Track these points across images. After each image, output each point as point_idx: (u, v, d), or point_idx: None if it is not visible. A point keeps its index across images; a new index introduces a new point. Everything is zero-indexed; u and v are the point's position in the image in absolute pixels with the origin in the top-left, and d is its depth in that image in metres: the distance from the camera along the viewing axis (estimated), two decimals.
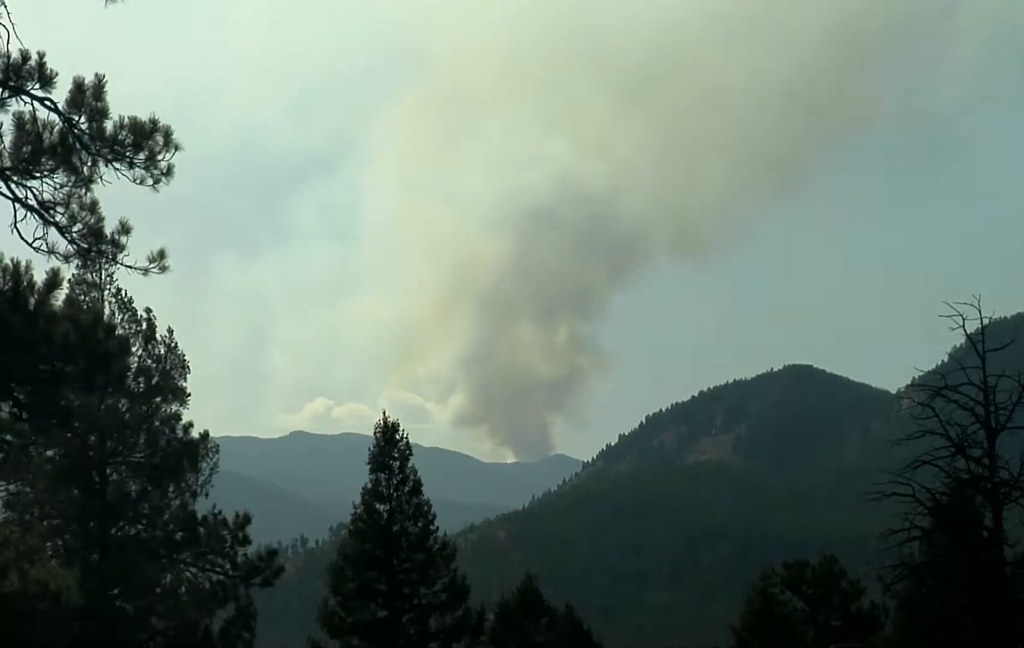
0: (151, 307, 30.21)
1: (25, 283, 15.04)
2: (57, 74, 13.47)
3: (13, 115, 13.65)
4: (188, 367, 30.30)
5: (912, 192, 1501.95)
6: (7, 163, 13.82)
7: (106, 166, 13.87)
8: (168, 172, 14.01)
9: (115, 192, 14.11)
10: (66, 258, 14.43)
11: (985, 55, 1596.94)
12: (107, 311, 28.73)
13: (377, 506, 34.49)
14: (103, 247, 14.40)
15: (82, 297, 27.97)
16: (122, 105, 13.79)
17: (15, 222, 14.06)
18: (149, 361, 29.78)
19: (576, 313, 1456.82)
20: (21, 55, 13.25)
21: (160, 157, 13.92)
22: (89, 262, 15.56)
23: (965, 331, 24.88)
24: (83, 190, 14.04)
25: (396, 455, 34.67)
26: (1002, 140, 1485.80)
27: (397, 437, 34.79)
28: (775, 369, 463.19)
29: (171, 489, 29.83)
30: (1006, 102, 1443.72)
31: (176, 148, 13.97)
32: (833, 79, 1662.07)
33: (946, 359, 49.51)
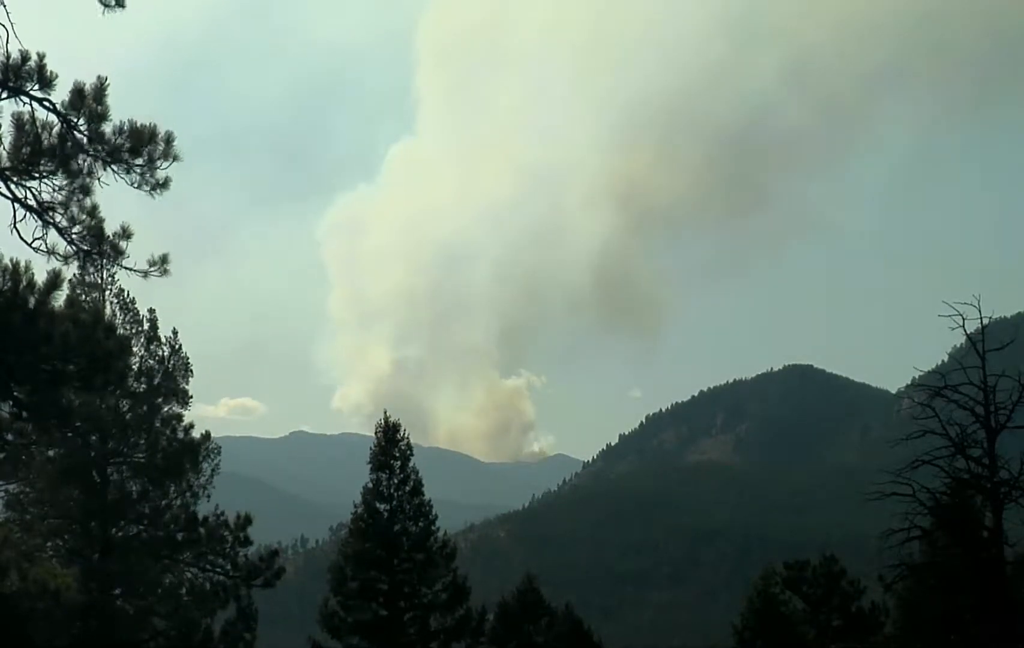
0: (154, 307, 30.33)
1: (25, 283, 15.03)
2: (56, 75, 13.49)
3: (12, 115, 13.68)
4: (192, 369, 30.39)
5: (913, 191, 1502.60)
6: (6, 163, 13.82)
7: (104, 169, 13.88)
8: (164, 184, 14.04)
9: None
10: (66, 259, 14.44)
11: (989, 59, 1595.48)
12: (108, 311, 28.70)
13: (378, 506, 34.44)
14: (103, 249, 14.40)
15: (83, 297, 27.92)
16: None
17: (15, 222, 14.07)
18: (151, 362, 29.81)
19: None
20: (21, 55, 13.24)
21: (158, 163, 13.94)
22: (89, 264, 15.52)
23: (965, 331, 24.91)
24: (82, 192, 14.05)
25: (397, 455, 34.62)
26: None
27: (398, 437, 34.75)
28: (775, 369, 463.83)
29: (172, 489, 29.84)
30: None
31: (175, 157, 14.00)
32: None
33: (946, 359, 49.50)
